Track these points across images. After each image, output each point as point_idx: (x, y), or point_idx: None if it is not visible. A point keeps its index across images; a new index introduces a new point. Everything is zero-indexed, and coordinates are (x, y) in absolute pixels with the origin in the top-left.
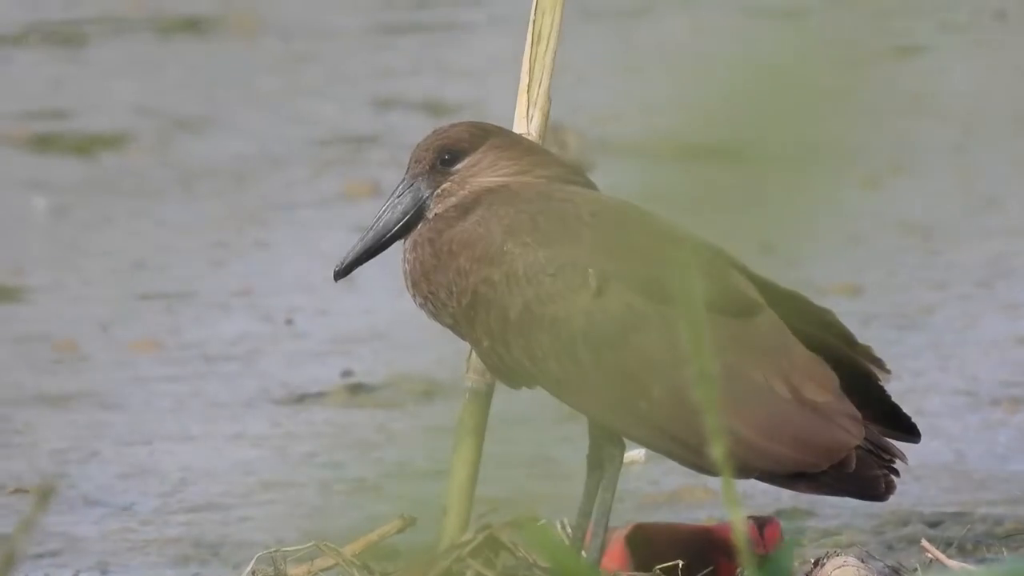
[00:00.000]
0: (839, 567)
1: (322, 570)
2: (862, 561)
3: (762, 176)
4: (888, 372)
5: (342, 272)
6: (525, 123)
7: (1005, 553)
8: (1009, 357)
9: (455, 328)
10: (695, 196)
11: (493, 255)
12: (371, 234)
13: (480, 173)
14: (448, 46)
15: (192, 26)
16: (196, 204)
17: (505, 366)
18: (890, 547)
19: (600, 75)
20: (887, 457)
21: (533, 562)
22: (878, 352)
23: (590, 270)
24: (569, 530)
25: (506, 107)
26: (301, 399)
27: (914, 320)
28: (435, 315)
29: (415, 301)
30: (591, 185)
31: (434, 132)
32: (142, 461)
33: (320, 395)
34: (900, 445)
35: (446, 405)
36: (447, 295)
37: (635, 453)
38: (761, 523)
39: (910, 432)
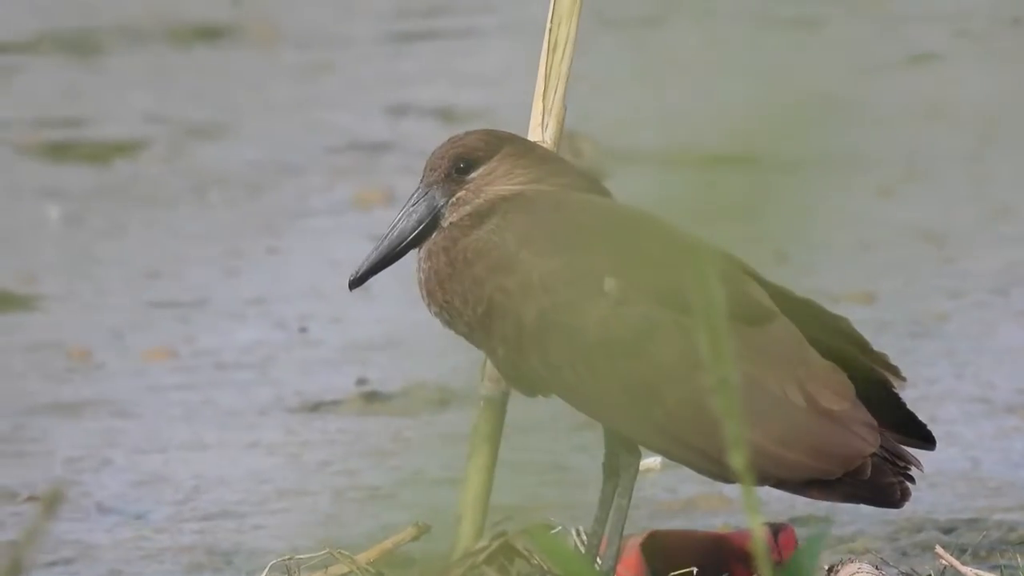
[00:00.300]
0: (853, 574)
1: None
2: (876, 568)
3: (776, 184)
4: (903, 379)
5: (357, 281)
6: (540, 131)
7: (1020, 560)
8: None
9: (470, 336)
10: (710, 204)
11: (508, 263)
12: (386, 243)
13: (495, 181)
14: (462, 54)
15: (207, 35)
16: (210, 212)
17: (520, 374)
18: (904, 554)
19: (615, 83)
20: (902, 464)
21: (547, 569)
22: (893, 360)
23: (605, 278)
24: (584, 537)
25: (520, 115)
26: (315, 407)
27: (929, 328)
28: (450, 323)
29: (430, 310)
30: (606, 193)
31: (449, 140)
32: (156, 469)
33: (334, 403)
34: (915, 452)
35: (461, 413)
36: (462, 303)
37: (651, 461)
38: (776, 530)
39: (925, 439)
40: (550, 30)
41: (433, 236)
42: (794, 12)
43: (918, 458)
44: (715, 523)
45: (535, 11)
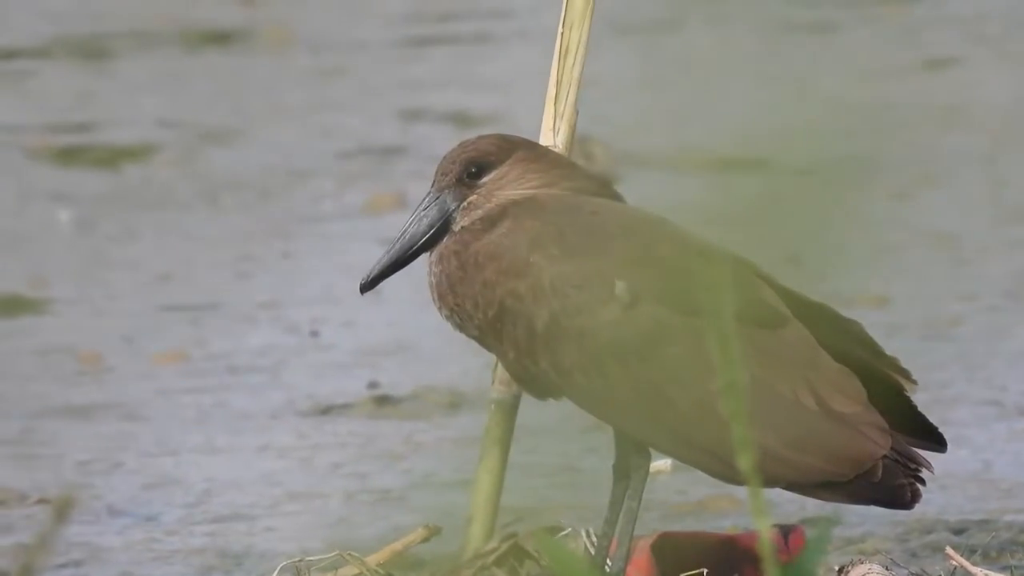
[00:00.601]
0: (864, 574)
1: None
2: (886, 568)
3: (790, 188)
4: (915, 383)
5: (368, 284)
6: (552, 135)
7: None
8: None
9: (481, 340)
10: (722, 208)
11: (519, 267)
12: (397, 246)
13: (507, 185)
14: (476, 59)
15: (219, 39)
16: (222, 217)
17: (531, 378)
18: (914, 554)
19: (628, 88)
20: (913, 466)
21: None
22: (905, 363)
23: (617, 282)
24: (595, 539)
25: (533, 120)
26: (327, 411)
27: (942, 331)
28: (461, 327)
29: (441, 313)
30: (618, 197)
31: (461, 145)
32: (167, 472)
33: (346, 406)
34: (926, 455)
35: (472, 416)
36: (473, 307)
37: (661, 463)
38: (786, 531)
39: (937, 442)
40: (562, 35)
41: (444, 240)
42: (809, 17)
43: (929, 460)
44: (725, 525)
45: (549, 17)
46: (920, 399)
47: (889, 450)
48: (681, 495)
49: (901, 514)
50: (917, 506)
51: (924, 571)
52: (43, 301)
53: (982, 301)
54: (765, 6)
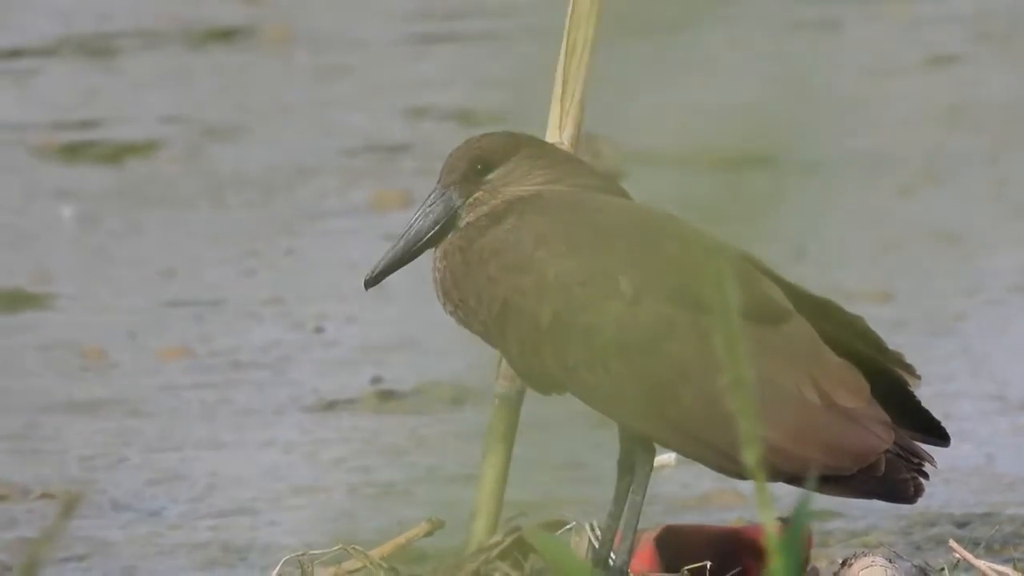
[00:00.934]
0: (866, 567)
1: (349, 573)
2: (890, 561)
3: (795, 184)
4: (918, 378)
5: (373, 280)
6: (558, 133)
7: None
8: None
9: (485, 336)
10: (728, 205)
11: (524, 263)
12: (402, 243)
13: (513, 182)
14: (482, 57)
15: (223, 37)
16: (226, 213)
17: (535, 373)
18: (918, 547)
19: (634, 85)
20: (916, 461)
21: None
22: (909, 358)
23: (621, 278)
24: (599, 533)
25: (540, 118)
26: (331, 406)
27: (945, 326)
28: (465, 323)
29: (445, 309)
30: (624, 194)
31: (466, 142)
32: (171, 467)
33: (350, 402)
34: (929, 449)
35: (475, 411)
36: (477, 303)
37: (665, 457)
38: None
39: (940, 436)
40: (568, 32)
41: (449, 236)
42: (815, 15)
43: (932, 454)
44: (729, 518)
45: (556, 15)
46: (923, 393)
47: (892, 444)
48: (685, 489)
49: (904, 507)
50: (921, 499)
51: (927, 564)
52: (47, 297)
53: (985, 296)
54: (771, 4)
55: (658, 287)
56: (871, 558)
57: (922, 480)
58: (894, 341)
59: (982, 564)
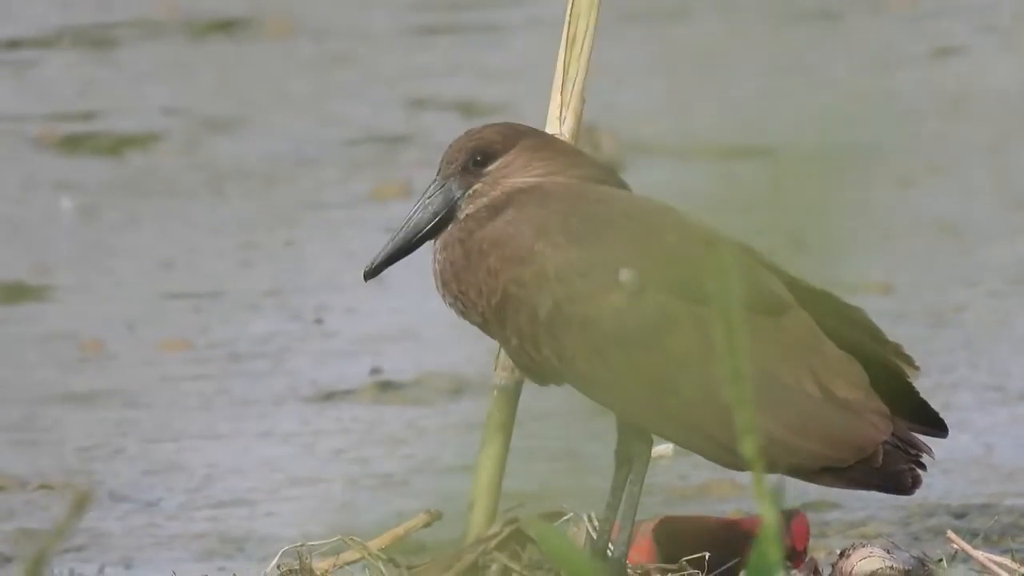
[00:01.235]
0: (864, 558)
1: (347, 564)
2: (888, 552)
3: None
4: (917, 369)
5: (372, 272)
6: (558, 124)
7: None
8: None
9: (485, 327)
10: (728, 196)
11: (523, 255)
12: (402, 234)
13: (512, 174)
14: (484, 48)
15: (225, 28)
16: (226, 204)
17: (535, 364)
18: (916, 538)
19: (635, 77)
20: (914, 452)
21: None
22: (908, 349)
23: (621, 270)
24: (596, 524)
25: (540, 109)
26: (330, 396)
27: (945, 317)
28: (465, 314)
29: (445, 300)
30: (624, 186)
31: (466, 133)
32: (168, 458)
33: (349, 392)
34: (928, 440)
35: (474, 402)
36: (477, 295)
37: (663, 448)
38: (788, 516)
39: (938, 427)
40: (569, 24)
41: (449, 228)
42: (816, 5)
43: (930, 445)
44: (727, 509)
45: (558, 6)
46: (923, 384)
47: (890, 436)
48: (683, 480)
49: (903, 498)
50: (919, 490)
51: (926, 555)
52: (46, 288)
53: (986, 288)
54: None
55: (658, 279)
56: (869, 549)
57: (920, 471)
58: (894, 332)
59: (980, 555)
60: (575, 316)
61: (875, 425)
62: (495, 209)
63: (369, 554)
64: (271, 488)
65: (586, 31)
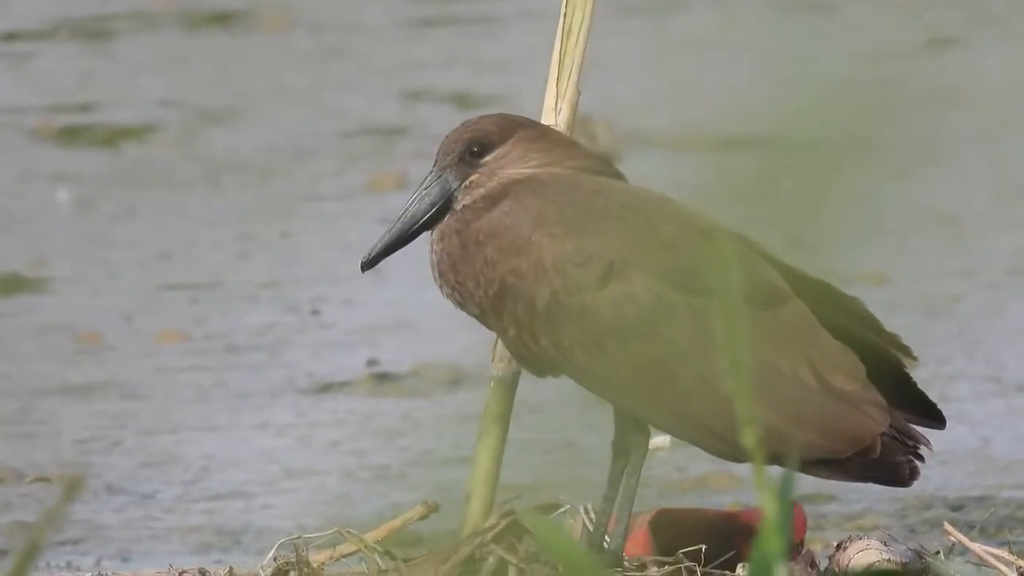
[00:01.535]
0: (862, 550)
1: (344, 556)
2: (884, 544)
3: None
4: (914, 359)
5: (369, 263)
6: (554, 115)
7: None
8: None
9: (482, 318)
10: (724, 187)
11: (520, 245)
12: (398, 225)
13: (509, 165)
14: (478, 39)
15: (221, 20)
16: (222, 196)
17: (532, 355)
18: (913, 530)
19: (630, 68)
20: (912, 443)
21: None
22: (906, 340)
23: (618, 260)
24: (593, 516)
25: (536, 100)
26: (326, 388)
27: (942, 308)
28: (462, 305)
29: (442, 291)
30: (620, 176)
31: (463, 124)
32: (165, 450)
33: (345, 384)
34: (925, 432)
35: (471, 393)
36: (474, 285)
37: (660, 439)
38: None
39: (936, 419)
40: (564, 14)
41: (446, 219)
42: None
43: (927, 437)
44: (724, 501)
45: None
46: (920, 376)
47: (888, 427)
48: (680, 472)
49: (899, 490)
50: (916, 482)
51: (922, 547)
52: (43, 280)
53: (982, 279)
54: None
55: (655, 269)
56: (866, 541)
57: (918, 463)
58: (890, 323)
59: (977, 547)
60: (572, 307)
61: (873, 416)
62: (492, 200)
63: (365, 546)
64: (268, 480)
65: (582, 22)
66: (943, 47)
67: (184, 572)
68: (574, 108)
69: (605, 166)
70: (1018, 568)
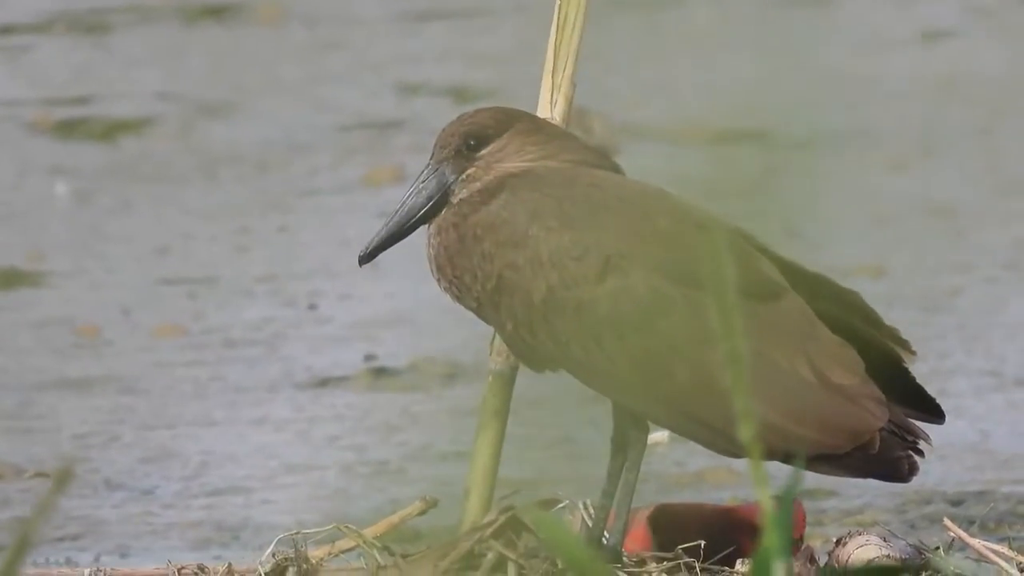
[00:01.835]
0: (861, 546)
1: (343, 552)
2: (884, 540)
3: (787, 160)
4: (913, 354)
5: (367, 257)
6: (549, 108)
7: None
8: None
9: (479, 312)
10: (721, 180)
11: (518, 239)
12: (396, 219)
13: (505, 158)
14: (474, 32)
15: (217, 13)
16: (219, 190)
17: (529, 349)
18: (912, 526)
19: (627, 61)
20: (911, 438)
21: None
22: (904, 334)
23: (615, 254)
24: (592, 511)
25: (532, 93)
26: (324, 383)
27: (940, 302)
28: (459, 299)
29: (439, 285)
30: (617, 170)
31: (459, 118)
32: (164, 445)
33: (343, 379)
34: (924, 426)
35: (469, 388)
36: (472, 279)
37: (659, 435)
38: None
39: (935, 413)
40: (559, 7)
41: (443, 212)
42: None
43: (927, 432)
44: (723, 496)
45: None
46: (918, 370)
47: (887, 422)
48: (679, 467)
49: (899, 486)
50: (915, 477)
51: (922, 542)
52: (40, 274)
53: (980, 272)
54: None
55: (652, 263)
56: (865, 537)
57: (917, 458)
58: (888, 317)
59: (976, 542)
60: (570, 300)
61: (871, 411)
62: (489, 193)
63: (364, 542)
64: (266, 476)
65: (576, 15)
66: (937, 39)
67: (183, 568)
68: (570, 101)
69: (602, 159)
70: (1018, 563)
